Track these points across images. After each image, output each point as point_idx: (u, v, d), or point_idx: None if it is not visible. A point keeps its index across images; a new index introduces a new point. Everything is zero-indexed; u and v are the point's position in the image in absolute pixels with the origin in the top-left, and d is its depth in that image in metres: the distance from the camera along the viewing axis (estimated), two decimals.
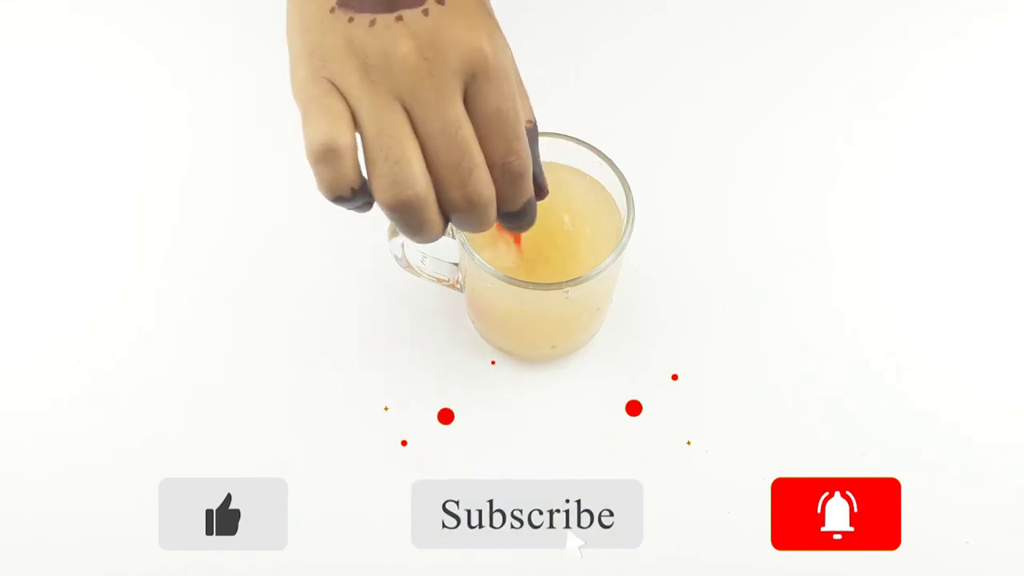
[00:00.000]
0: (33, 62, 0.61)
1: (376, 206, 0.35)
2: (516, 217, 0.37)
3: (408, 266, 0.51)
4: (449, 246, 0.51)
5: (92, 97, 0.61)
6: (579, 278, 0.44)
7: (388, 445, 0.52)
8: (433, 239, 0.36)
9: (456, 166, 0.33)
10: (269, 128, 0.60)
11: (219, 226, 0.57)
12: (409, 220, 0.34)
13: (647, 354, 0.54)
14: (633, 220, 0.45)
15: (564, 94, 0.60)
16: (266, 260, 0.56)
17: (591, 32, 0.63)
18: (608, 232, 0.48)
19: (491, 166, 0.34)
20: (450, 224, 0.42)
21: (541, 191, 0.38)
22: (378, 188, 0.33)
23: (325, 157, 0.32)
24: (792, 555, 0.49)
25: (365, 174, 0.34)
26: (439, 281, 0.52)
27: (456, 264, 0.52)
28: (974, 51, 0.63)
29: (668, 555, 0.49)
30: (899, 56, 0.62)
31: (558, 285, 0.44)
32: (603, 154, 0.46)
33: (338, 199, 0.33)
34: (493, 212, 0.35)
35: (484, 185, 0.34)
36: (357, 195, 0.33)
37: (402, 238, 0.47)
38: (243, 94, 0.61)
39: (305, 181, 0.58)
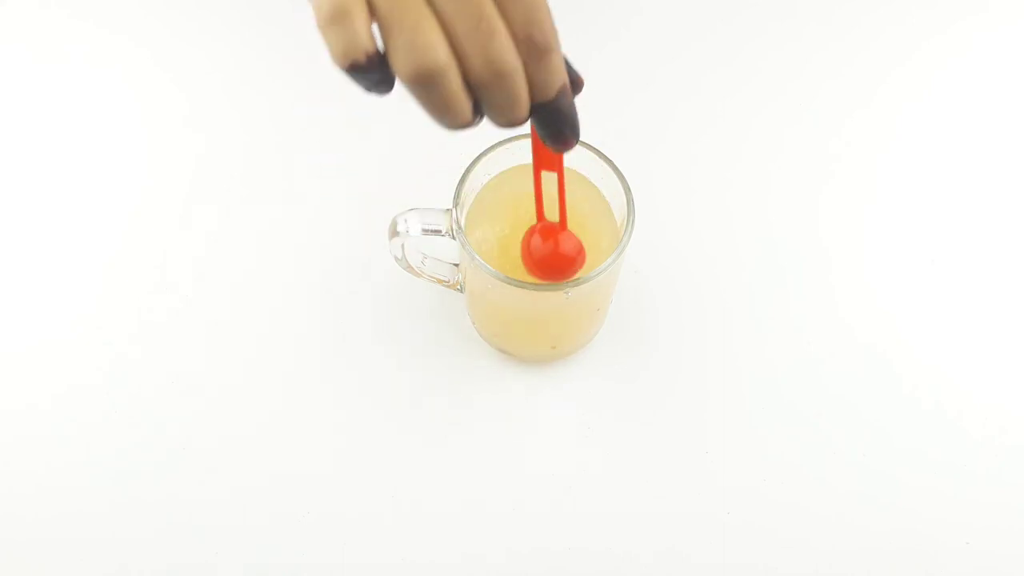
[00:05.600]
0: (33, 62, 0.61)
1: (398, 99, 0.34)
2: (553, 113, 0.35)
3: (408, 267, 0.51)
4: (449, 247, 0.51)
5: (92, 97, 0.61)
6: (579, 279, 0.44)
7: (388, 445, 0.52)
8: (462, 122, 0.34)
9: (475, 30, 0.32)
10: (269, 128, 0.60)
11: (218, 227, 0.57)
12: (432, 95, 0.33)
13: (647, 354, 0.54)
14: (633, 221, 0.45)
15: None
16: (265, 261, 0.56)
17: (589, 33, 0.63)
18: (608, 233, 0.48)
19: (515, 41, 0.33)
20: (451, 218, 0.41)
21: (576, 84, 0.37)
22: (397, 60, 0.32)
23: (335, 19, 0.31)
24: (792, 555, 0.49)
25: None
26: (439, 282, 0.52)
27: (456, 265, 0.52)
28: (970, 46, 0.63)
29: (668, 555, 0.49)
30: (895, 53, 0.62)
31: (558, 286, 0.44)
32: (603, 154, 0.46)
33: (353, 68, 0.32)
34: (522, 89, 0.34)
35: (507, 51, 0.33)
36: (372, 66, 0.32)
37: (402, 239, 0.47)
38: (243, 94, 0.61)
39: (305, 181, 0.58)
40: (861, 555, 0.49)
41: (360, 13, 0.31)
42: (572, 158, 0.47)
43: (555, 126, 0.36)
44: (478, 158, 0.46)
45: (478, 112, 0.34)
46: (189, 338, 0.54)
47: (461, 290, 0.52)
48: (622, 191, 0.46)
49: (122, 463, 0.51)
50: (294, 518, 0.50)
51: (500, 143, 0.47)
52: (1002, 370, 0.54)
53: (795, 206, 0.58)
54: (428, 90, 0.32)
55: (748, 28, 0.63)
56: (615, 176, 0.46)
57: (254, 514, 0.50)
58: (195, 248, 0.56)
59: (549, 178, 0.42)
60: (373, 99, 0.60)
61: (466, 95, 0.33)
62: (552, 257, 0.44)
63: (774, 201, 0.58)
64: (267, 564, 0.49)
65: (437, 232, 0.46)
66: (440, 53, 0.32)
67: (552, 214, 0.44)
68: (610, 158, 0.46)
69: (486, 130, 0.49)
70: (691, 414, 0.52)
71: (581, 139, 0.46)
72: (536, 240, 0.45)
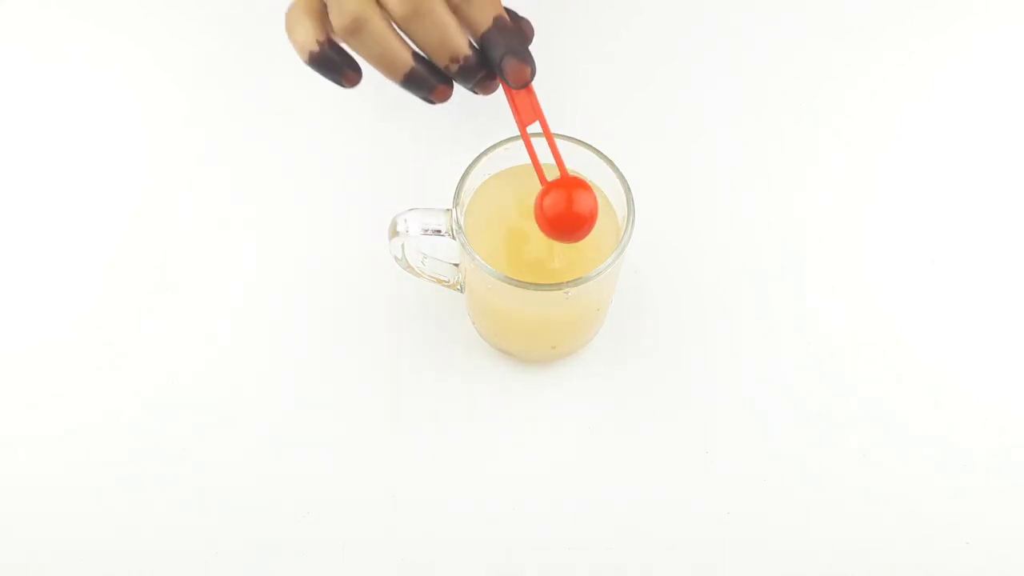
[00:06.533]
0: (33, 62, 0.61)
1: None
2: (495, 41, 0.38)
3: (408, 267, 0.51)
4: (449, 247, 0.51)
5: (92, 97, 0.61)
6: (579, 278, 0.44)
7: (388, 445, 0.52)
8: (402, 67, 0.38)
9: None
10: (269, 128, 0.60)
11: (218, 227, 0.57)
12: (366, 43, 0.37)
13: (647, 354, 0.54)
14: (633, 220, 0.45)
15: (563, 95, 0.60)
16: (265, 261, 0.56)
17: (589, 33, 0.63)
18: (608, 233, 0.48)
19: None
20: (451, 218, 0.41)
21: (526, 31, 0.40)
22: (333, 21, 0.37)
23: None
24: (792, 555, 0.49)
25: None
26: (439, 282, 0.52)
27: (456, 265, 0.52)
28: (970, 46, 0.63)
29: (668, 555, 0.49)
30: (895, 53, 0.62)
31: (558, 285, 0.44)
32: (603, 154, 0.46)
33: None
34: (448, 22, 0.37)
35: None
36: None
37: (402, 239, 0.47)
38: (243, 94, 0.61)
39: (305, 181, 0.58)
40: (861, 555, 0.49)
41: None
42: (573, 158, 0.48)
43: (500, 51, 0.38)
44: (478, 158, 0.46)
45: (437, 74, 0.38)
46: (189, 338, 0.54)
47: (461, 290, 0.52)
48: (622, 191, 0.46)
49: (122, 463, 0.51)
50: (294, 518, 0.50)
51: (500, 143, 0.47)
52: (1002, 370, 0.53)
53: (795, 206, 0.58)
54: (361, 39, 0.37)
55: (751, 27, 0.63)
56: (615, 176, 0.46)
57: (254, 514, 0.50)
58: (195, 248, 0.56)
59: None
60: (373, 99, 0.61)
61: (399, 40, 0.37)
62: (566, 215, 0.43)
63: (774, 201, 0.58)
64: (267, 564, 0.49)
65: (437, 232, 0.46)
66: (363, 4, 0.36)
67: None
68: (610, 158, 0.46)
69: (486, 131, 0.49)
70: (691, 414, 0.52)
71: (581, 139, 0.46)
72: (548, 199, 0.43)
